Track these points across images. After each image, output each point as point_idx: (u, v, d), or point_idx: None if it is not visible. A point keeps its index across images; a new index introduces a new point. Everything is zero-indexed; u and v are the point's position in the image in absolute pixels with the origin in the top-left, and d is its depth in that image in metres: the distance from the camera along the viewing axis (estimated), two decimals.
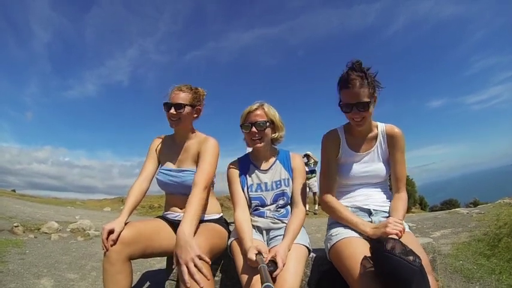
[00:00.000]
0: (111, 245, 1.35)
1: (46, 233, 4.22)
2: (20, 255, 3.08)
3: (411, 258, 1.06)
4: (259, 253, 1.27)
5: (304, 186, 1.66)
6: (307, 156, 8.08)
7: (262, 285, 1.01)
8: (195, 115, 1.73)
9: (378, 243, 1.16)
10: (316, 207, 8.57)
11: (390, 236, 1.23)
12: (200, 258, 1.24)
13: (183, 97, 1.64)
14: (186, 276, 1.18)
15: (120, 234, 1.38)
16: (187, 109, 1.65)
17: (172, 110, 1.62)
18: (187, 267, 1.20)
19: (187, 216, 1.38)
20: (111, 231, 1.37)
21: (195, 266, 1.21)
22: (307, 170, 8.02)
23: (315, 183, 8.01)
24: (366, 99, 1.37)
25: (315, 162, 7.94)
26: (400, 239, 1.21)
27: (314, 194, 8.39)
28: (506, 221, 2.82)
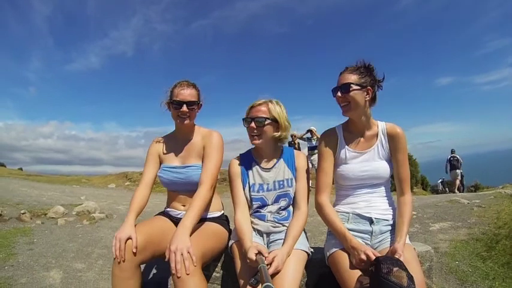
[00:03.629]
0: (134, 252, 1.38)
1: (53, 217, 4.35)
2: (29, 244, 3.20)
3: (406, 283, 1.07)
4: (259, 253, 1.28)
5: (308, 186, 1.62)
6: (310, 131, 8.08)
7: (262, 285, 1.02)
8: (198, 111, 1.74)
9: (376, 263, 1.16)
10: None
11: (389, 256, 1.24)
12: (188, 252, 1.30)
13: (192, 94, 1.65)
14: (173, 264, 1.25)
15: (137, 241, 1.40)
16: (197, 106, 1.68)
17: (185, 108, 1.62)
18: (176, 255, 1.27)
19: (190, 214, 1.43)
20: (128, 238, 1.39)
21: (183, 256, 1.28)
22: (309, 145, 8.14)
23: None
24: (350, 81, 1.42)
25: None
26: (400, 257, 1.21)
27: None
28: (506, 221, 2.83)
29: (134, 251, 1.38)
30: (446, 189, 11.51)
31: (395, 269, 1.10)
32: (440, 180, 12.33)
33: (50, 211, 4.47)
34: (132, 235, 1.41)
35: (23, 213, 4.05)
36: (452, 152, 11.05)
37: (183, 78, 1.70)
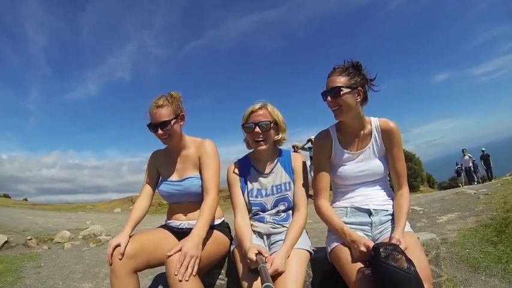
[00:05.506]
0: (120, 259, 1.40)
1: (59, 242, 4.35)
2: (36, 268, 3.18)
3: (406, 265, 1.07)
4: (259, 253, 1.27)
5: (306, 188, 1.61)
6: (310, 141, 8.08)
7: (262, 285, 1.01)
8: (181, 123, 1.69)
9: (375, 250, 1.16)
10: None
11: (385, 242, 1.23)
12: (195, 259, 1.32)
13: (164, 113, 1.58)
14: (179, 264, 1.27)
15: (126, 247, 1.43)
16: (174, 123, 1.60)
17: (160, 131, 1.58)
18: (185, 258, 1.29)
19: (200, 223, 1.44)
20: (117, 245, 1.42)
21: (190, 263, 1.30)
22: (311, 155, 8.11)
23: None
24: (339, 85, 1.38)
25: None
26: (399, 244, 1.21)
27: None
28: None
29: (120, 257, 1.40)
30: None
31: (393, 252, 1.09)
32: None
33: (56, 236, 4.48)
34: (122, 242, 1.43)
35: (29, 240, 4.06)
36: (457, 164, 14.41)
37: (159, 94, 1.64)
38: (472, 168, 12.92)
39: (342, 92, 1.37)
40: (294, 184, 1.59)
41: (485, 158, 13.20)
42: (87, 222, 6.84)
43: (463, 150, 13.78)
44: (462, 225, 2.95)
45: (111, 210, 10.72)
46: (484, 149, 13.58)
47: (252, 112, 1.57)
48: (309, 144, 8.18)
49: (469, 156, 13.18)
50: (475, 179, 12.83)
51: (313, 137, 8.10)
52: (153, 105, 1.60)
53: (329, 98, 1.42)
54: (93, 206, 11.55)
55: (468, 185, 11.44)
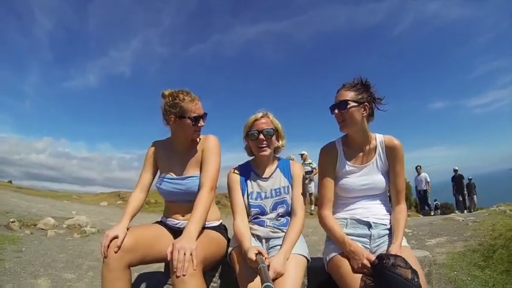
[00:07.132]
0: (115, 252, 1.34)
1: (42, 229, 4.23)
2: (17, 252, 3.09)
3: (410, 276, 1.08)
4: (259, 253, 1.27)
5: (304, 194, 1.65)
6: (301, 155, 8.18)
7: (262, 285, 1.01)
8: None
9: (380, 259, 1.17)
10: (313, 207, 8.63)
11: (391, 253, 1.25)
12: (191, 254, 1.25)
13: (202, 106, 1.62)
14: (175, 262, 1.21)
15: (123, 240, 1.37)
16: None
17: (202, 122, 1.61)
18: (179, 253, 1.23)
19: (195, 217, 1.41)
20: (114, 237, 1.36)
21: (185, 256, 1.24)
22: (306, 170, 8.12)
23: (310, 184, 8.06)
24: (347, 99, 1.44)
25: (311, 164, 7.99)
26: (400, 255, 1.23)
27: (310, 194, 8.44)
28: (501, 232, 2.85)
29: (116, 250, 1.34)
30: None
31: (400, 263, 1.12)
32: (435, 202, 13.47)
33: (40, 222, 4.36)
34: (120, 234, 1.38)
35: (12, 222, 3.93)
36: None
37: (182, 89, 1.62)
38: (428, 193, 9.81)
39: (348, 106, 1.43)
40: (292, 189, 1.62)
41: (457, 180, 10.22)
42: (72, 212, 6.68)
43: (416, 167, 10.19)
44: (451, 249, 2.99)
45: (97, 203, 10.48)
46: (457, 168, 10.41)
47: (256, 120, 1.62)
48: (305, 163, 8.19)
49: (424, 176, 9.83)
50: (431, 208, 10.14)
51: (305, 152, 8.16)
52: (192, 98, 1.58)
53: (336, 111, 1.48)
54: (79, 196, 11.30)
55: (422, 214, 9.33)
